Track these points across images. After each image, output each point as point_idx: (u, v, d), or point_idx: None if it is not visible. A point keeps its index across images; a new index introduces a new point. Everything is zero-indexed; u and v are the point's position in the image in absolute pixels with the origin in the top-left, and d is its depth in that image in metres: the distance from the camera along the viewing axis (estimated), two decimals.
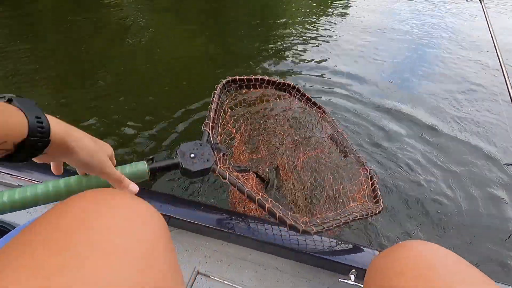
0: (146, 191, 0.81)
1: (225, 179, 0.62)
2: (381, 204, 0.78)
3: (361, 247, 0.72)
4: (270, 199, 0.62)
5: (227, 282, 0.71)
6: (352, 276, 0.67)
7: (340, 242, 0.73)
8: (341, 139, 0.95)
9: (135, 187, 0.47)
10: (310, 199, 1.10)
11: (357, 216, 0.68)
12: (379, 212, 0.75)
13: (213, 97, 0.79)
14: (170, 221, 0.75)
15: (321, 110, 1.02)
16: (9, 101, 0.30)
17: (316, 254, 0.69)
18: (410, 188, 1.61)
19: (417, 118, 2.14)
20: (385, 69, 2.84)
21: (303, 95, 1.01)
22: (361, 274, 0.68)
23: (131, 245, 0.26)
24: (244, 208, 1.00)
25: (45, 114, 0.32)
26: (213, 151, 0.65)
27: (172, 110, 2.06)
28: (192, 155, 0.62)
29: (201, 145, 0.65)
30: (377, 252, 0.71)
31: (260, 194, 0.62)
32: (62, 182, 0.46)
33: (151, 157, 0.57)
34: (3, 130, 0.27)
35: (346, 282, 0.67)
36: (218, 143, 0.71)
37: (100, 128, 1.88)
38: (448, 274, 0.31)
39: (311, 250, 0.70)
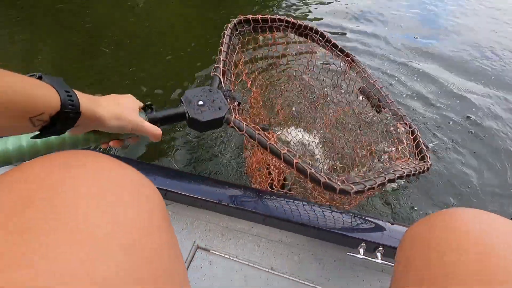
0: (139, 163, 0.76)
1: (242, 131, 0.52)
2: (428, 160, 0.68)
3: (371, 220, 0.67)
4: (298, 154, 0.52)
5: (228, 256, 0.68)
6: (361, 250, 0.63)
7: (348, 215, 0.67)
8: (373, 92, 0.81)
9: (160, 138, 0.47)
10: (339, 164, 1.00)
11: (404, 173, 0.58)
12: (428, 169, 0.65)
13: (223, 39, 0.66)
14: (167, 195, 0.71)
15: (349, 58, 0.86)
16: (40, 78, 0.31)
17: (323, 227, 0.64)
18: (438, 154, 1.47)
19: (445, 75, 1.96)
20: (409, 23, 2.59)
21: (327, 41, 0.86)
22: (370, 248, 0.63)
23: (118, 225, 0.19)
24: (262, 177, 0.93)
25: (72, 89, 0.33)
26: (226, 99, 0.54)
27: (173, 61, 1.91)
28: (201, 103, 0.51)
29: (210, 91, 0.53)
30: (389, 224, 0.66)
31: (286, 149, 0.52)
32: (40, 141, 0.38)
33: (148, 103, 0.47)
34: (41, 103, 0.28)
35: (355, 256, 0.63)
36: (231, 90, 0.59)
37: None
38: None
39: (318, 224, 0.65)
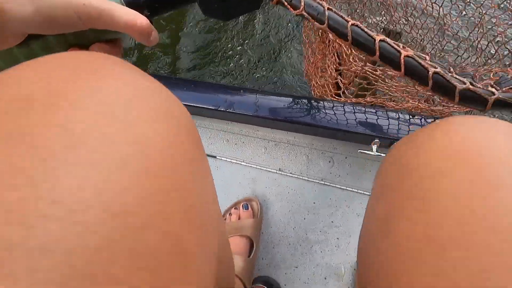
0: None
1: (298, 9, 0.30)
2: None
3: (387, 113, 0.59)
4: (404, 46, 0.31)
5: (235, 161, 0.67)
6: (374, 147, 0.58)
7: (360, 108, 0.60)
8: None
9: (156, 36, 0.27)
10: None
11: None
12: None
13: None
14: None
15: None
16: None
17: (332, 126, 0.59)
18: None
19: None
20: None
21: None
22: (386, 143, 0.58)
23: (142, 146, 0.14)
24: (321, 80, 0.78)
25: None
26: None
27: None
28: None
29: None
30: (408, 116, 0.58)
31: (381, 36, 0.30)
32: None
33: None
34: None
35: (367, 153, 0.58)
36: None
37: None
38: None
39: (325, 122, 0.59)
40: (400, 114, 0.59)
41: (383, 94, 0.66)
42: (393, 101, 0.67)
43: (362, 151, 0.59)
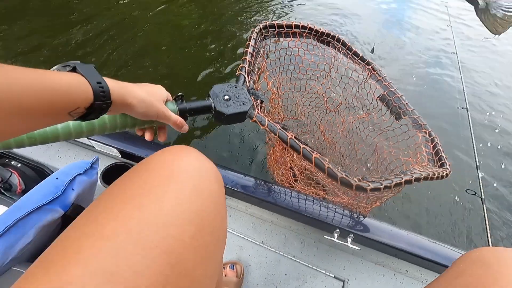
0: None
1: (264, 125, 0.56)
2: (448, 167, 0.68)
3: (346, 211, 0.77)
4: (316, 151, 0.55)
5: (228, 230, 0.84)
6: (335, 235, 0.75)
7: (327, 205, 0.78)
8: (393, 99, 0.82)
9: (186, 128, 0.50)
10: (357, 169, 1.01)
11: (421, 176, 0.59)
12: (447, 175, 0.66)
13: (249, 41, 0.73)
14: None
15: (369, 67, 0.87)
16: (74, 68, 0.34)
17: (307, 214, 0.76)
18: None
19: None
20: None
21: (349, 49, 0.88)
22: (344, 234, 0.74)
23: (185, 206, 0.28)
24: (280, 171, 1.04)
25: (103, 77, 0.35)
26: (250, 95, 0.59)
27: (196, 64, 2.06)
28: (226, 97, 0.56)
29: (236, 87, 0.58)
30: (361, 217, 0.76)
31: (303, 145, 0.55)
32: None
33: (179, 94, 0.51)
34: (78, 99, 0.32)
35: (331, 239, 0.75)
36: (255, 88, 0.65)
37: None
38: None
39: (302, 210, 0.77)
40: (354, 214, 0.77)
41: (322, 185, 0.97)
42: (329, 194, 0.96)
43: (327, 237, 0.76)
